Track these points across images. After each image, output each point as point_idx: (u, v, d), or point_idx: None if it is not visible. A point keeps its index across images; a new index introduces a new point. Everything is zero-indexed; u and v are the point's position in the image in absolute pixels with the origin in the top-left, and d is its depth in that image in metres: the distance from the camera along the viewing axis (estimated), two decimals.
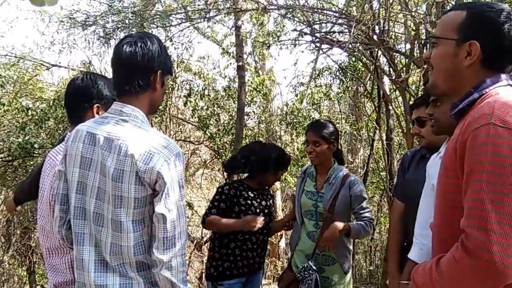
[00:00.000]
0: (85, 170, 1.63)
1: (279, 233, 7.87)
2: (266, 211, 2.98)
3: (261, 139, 7.76)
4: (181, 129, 8.40)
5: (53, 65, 6.70)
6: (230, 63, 7.16)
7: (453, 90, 1.37)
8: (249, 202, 2.91)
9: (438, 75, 1.37)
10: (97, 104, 2.02)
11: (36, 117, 5.32)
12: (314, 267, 2.79)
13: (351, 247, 2.98)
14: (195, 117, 7.32)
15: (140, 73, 1.63)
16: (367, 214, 2.82)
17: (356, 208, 2.83)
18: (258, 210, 2.92)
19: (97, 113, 2.00)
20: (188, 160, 9.59)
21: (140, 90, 1.64)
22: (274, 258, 8.07)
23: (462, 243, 1.13)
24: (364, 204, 2.85)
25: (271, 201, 3.13)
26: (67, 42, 6.30)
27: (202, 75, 7.10)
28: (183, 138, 8.29)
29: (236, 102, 6.45)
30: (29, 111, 5.39)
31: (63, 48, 5.78)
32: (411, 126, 2.64)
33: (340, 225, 2.73)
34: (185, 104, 7.08)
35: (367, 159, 6.34)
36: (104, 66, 7.03)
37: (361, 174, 6.84)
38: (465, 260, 1.11)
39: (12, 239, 8.28)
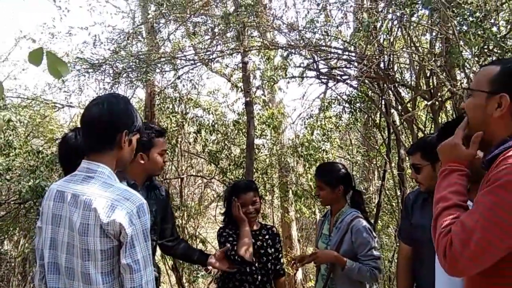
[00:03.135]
0: (55, 227, 1.72)
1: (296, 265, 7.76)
2: (256, 253, 2.97)
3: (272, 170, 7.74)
4: (192, 163, 8.42)
5: (65, 105, 6.85)
6: (239, 98, 7.20)
7: (484, 139, 1.45)
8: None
9: (471, 124, 1.48)
10: None
11: (47, 160, 5.39)
12: None
13: None
14: (206, 152, 7.34)
15: (105, 133, 1.72)
16: (370, 263, 2.70)
17: (359, 255, 2.73)
18: None
19: None
20: (202, 193, 9.58)
21: (106, 149, 1.73)
22: None
23: None
24: (368, 251, 2.72)
25: (269, 241, 3.07)
26: (77, 82, 6.45)
27: (211, 110, 7.15)
28: (195, 173, 8.29)
29: (246, 136, 6.45)
30: (40, 154, 5.46)
31: (74, 90, 5.89)
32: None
33: (335, 253, 2.72)
34: (195, 140, 7.11)
35: (379, 190, 6.23)
36: None
37: (375, 205, 6.72)
38: None
39: (28, 277, 8.34)
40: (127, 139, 1.76)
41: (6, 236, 7.17)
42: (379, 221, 6.95)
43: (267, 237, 3.08)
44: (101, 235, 1.62)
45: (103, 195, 1.65)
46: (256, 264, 2.95)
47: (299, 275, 8.05)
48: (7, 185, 6.45)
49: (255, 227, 3.08)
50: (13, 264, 8.93)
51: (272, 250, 3.07)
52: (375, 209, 6.41)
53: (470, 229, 1.26)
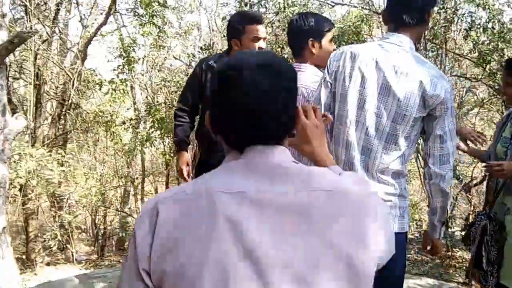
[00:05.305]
0: (363, 89, 1.85)
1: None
2: None
3: None
4: (458, 64, 7.98)
5: (336, 4, 7.35)
6: None
7: None
8: None
9: None
10: (310, 39, 2.28)
11: None
12: (489, 214, 2.62)
13: None
14: (475, 52, 6.83)
15: (417, 8, 1.85)
16: None
17: None
18: None
19: (313, 46, 2.28)
20: (462, 98, 9.06)
21: (412, 25, 1.86)
22: None
23: None
24: None
25: None
26: None
27: (486, 6, 6.48)
28: (459, 74, 7.88)
29: None
30: None
31: None
32: None
33: None
34: (465, 38, 6.68)
35: None
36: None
37: None
38: None
39: None
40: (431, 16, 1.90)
41: None
42: None
43: None
44: (420, 104, 1.76)
45: (423, 69, 1.78)
46: None
47: None
48: None
49: None
50: None
51: None
52: None
53: None
